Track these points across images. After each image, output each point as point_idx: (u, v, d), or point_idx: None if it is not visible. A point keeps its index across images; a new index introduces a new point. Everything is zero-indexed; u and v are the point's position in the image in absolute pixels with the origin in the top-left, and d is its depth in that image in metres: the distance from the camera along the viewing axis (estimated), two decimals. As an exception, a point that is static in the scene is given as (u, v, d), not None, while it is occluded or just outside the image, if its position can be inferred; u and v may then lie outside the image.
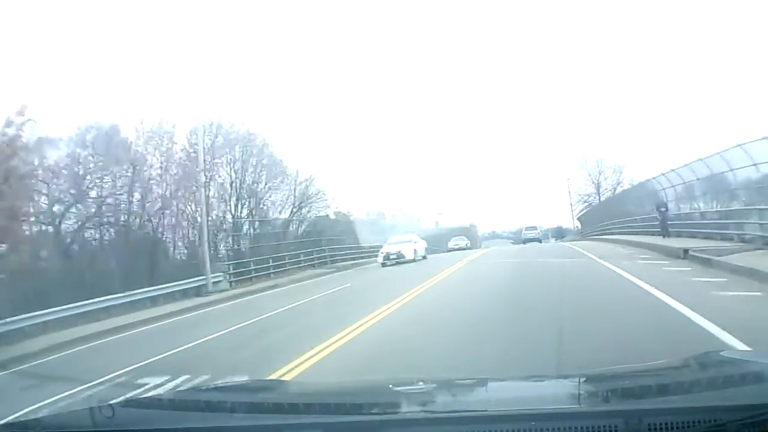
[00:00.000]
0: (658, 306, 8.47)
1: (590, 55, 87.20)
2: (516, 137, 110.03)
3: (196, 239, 24.61)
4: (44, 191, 21.62)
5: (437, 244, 45.60)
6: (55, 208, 22.40)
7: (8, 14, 38.26)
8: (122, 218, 24.13)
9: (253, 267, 25.48)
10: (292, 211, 33.56)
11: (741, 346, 5.52)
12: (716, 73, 73.77)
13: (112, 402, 2.48)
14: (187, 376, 7.20)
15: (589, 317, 8.25)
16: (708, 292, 9.20)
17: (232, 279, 23.51)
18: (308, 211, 34.77)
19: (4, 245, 16.15)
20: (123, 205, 24.09)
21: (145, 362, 8.75)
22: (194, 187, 24.32)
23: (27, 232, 18.64)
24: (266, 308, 14.15)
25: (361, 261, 32.61)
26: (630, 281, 11.62)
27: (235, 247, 28.50)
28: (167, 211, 25.49)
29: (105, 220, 23.64)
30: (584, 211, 56.95)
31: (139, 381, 7.40)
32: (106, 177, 23.67)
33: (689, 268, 13.08)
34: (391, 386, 3.38)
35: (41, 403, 6.59)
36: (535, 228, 50.41)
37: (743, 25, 62.08)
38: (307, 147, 67.89)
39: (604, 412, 2.14)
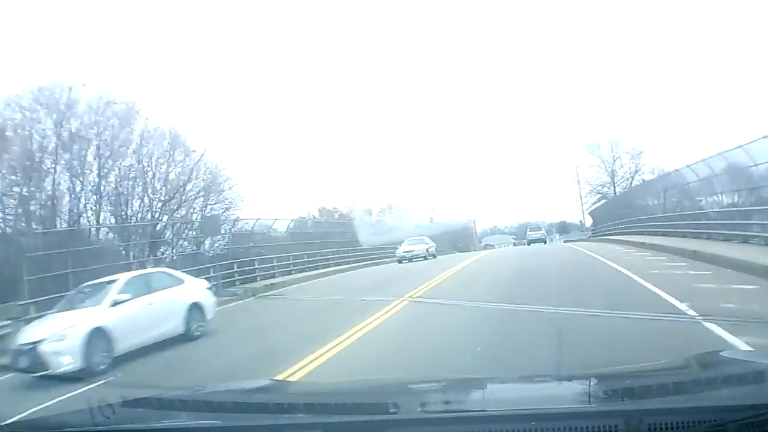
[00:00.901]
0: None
1: (599, 23, 74.16)
2: (517, 122, 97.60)
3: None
4: None
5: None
6: None
7: None
8: None
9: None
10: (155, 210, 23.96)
11: None
12: (757, 43, 64.06)
13: (111, 402, 2.48)
14: None
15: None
16: None
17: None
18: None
19: None
20: None
21: None
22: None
23: None
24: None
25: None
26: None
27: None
28: None
29: None
30: (597, 205, 49.93)
31: None
32: None
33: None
34: (391, 386, 3.39)
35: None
36: (539, 228, 50.46)
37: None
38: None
39: (604, 412, 2.14)
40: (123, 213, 23.12)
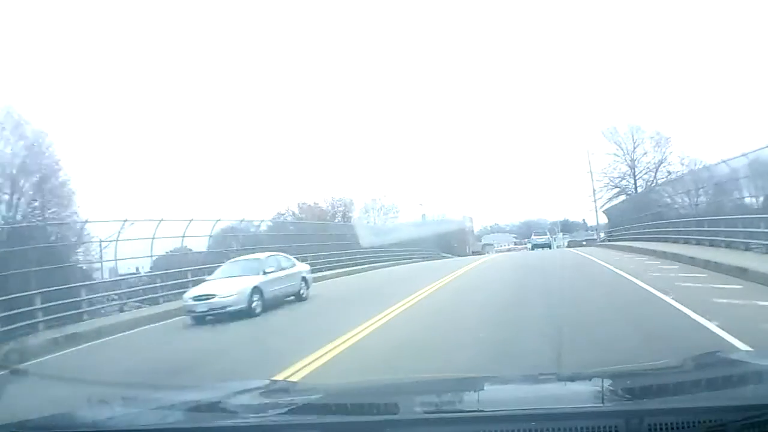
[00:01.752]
0: None
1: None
2: (520, 109, 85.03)
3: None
4: None
5: (421, 245, 37.76)
6: None
7: None
8: None
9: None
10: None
11: None
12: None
13: (110, 402, 2.48)
14: None
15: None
16: None
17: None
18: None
19: None
20: None
21: None
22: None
23: None
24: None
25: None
26: None
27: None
28: None
29: None
30: (614, 202, 41.05)
31: None
32: None
33: None
34: (390, 387, 3.39)
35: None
36: (544, 233, 50.59)
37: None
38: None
39: (604, 412, 2.14)
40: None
